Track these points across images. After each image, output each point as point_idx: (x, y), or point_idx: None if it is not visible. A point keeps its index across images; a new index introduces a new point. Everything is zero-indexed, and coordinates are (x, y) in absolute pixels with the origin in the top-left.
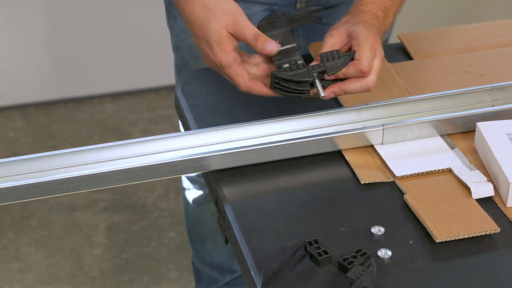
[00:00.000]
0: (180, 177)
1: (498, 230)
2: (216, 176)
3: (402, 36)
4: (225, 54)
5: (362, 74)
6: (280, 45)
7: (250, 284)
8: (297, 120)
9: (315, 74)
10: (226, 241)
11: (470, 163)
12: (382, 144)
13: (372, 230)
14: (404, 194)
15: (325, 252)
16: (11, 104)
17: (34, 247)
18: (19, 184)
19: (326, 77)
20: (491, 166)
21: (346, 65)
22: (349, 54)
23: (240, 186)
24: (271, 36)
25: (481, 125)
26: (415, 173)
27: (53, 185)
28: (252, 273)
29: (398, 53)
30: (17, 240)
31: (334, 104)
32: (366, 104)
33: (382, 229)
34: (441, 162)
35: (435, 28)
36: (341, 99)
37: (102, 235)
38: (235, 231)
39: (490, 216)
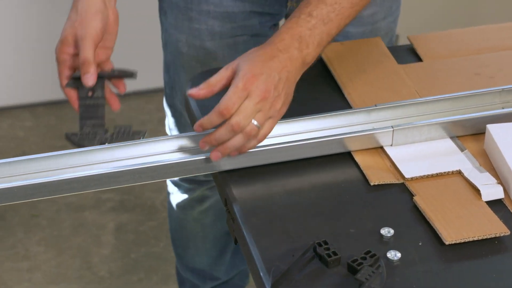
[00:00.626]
0: None
1: (508, 232)
2: (226, 176)
3: (412, 37)
4: (60, 50)
5: (222, 117)
6: (93, 83)
7: (259, 284)
8: (307, 121)
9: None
10: (236, 242)
11: (480, 165)
12: (391, 145)
13: (381, 232)
14: (413, 196)
15: (335, 253)
16: (20, 104)
17: (43, 246)
18: (28, 184)
19: (196, 129)
20: (501, 168)
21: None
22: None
23: (249, 187)
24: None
25: (491, 127)
26: (424, 175)
27: (62, 185)
28: (261, 274)
29: (407, 54)
30: (26, 239)
31: (344, 105)
32: (375, 106)
33: (392, 231)
34: (451, 164)
35: (445, 30)
36: (351, 100)
37: (110, 235)
38: (244, 232)
39: (500, 219)
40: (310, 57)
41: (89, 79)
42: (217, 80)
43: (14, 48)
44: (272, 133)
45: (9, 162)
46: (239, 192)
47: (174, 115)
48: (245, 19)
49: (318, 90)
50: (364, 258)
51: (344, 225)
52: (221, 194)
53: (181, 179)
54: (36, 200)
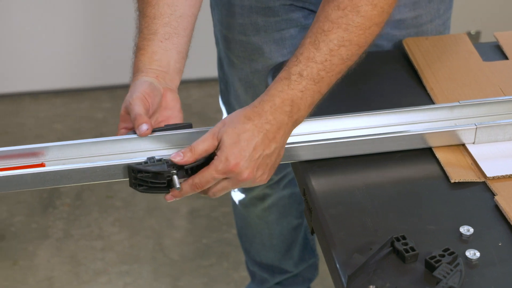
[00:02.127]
0: None
1: None
2: (305, 166)
3: (498, 35)
4: (118, 128)
5: (195, 189)
6: (151, 131)
7: (335, 275)
8: (389, 115)
9: (174, 171)
10: (312, 232)
11: None
12: (474, 143)
13: (460, 230)
14: (494, 195)
15: (412, 249)
16: (100, 85)
17: (117, 227)
18: (109, 164)
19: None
20: None
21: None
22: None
23: (328, 178)
24: None
25: None
26: (507, 175)
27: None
28: (337, 265)
29: (493, 52)
30: (101, 219)
31: (425, 100)
32: (459, 102)
33: (471, 230)
34: None
35: None
36: (433, 96)
37: (183, 219)
38: (321, 223)
39: None
40: (302, 118)
41: (143, 130)
42: (202, 150)
43: (94, 30)
44: (353, 125)
45: (89, 143)
46: (318, 182)
47: (229, 112)
48: (288, 12)
49: (400, 83)
50: (443, 256)
51: (422, 221)
52: (300, 184)
53: None
54: (112, 181)
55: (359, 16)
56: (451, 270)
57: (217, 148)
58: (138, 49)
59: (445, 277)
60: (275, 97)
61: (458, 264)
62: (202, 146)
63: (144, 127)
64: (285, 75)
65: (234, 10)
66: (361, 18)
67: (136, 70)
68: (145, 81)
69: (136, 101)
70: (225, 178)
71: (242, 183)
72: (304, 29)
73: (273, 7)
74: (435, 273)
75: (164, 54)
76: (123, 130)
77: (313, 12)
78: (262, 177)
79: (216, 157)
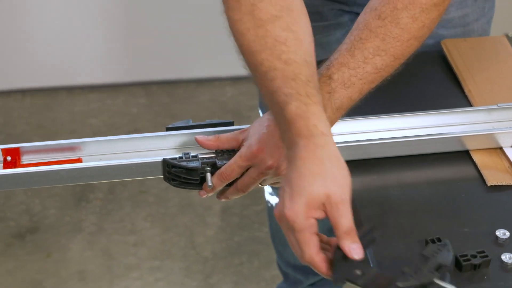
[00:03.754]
0: None
1: None
2: None
3: None
4: (304, 218)
5: (221, 179)
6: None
7: None
8: (425, 116)
9: (208, 168)
10: None
11: None
12: (511, 147)
13: (496, 233)
14: None
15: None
16: (135, 81)
17: (149, 222)
18: (145, 161)
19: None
20: None
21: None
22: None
23: (363, 178)
24: None
25: None
26: None
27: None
28: (371, 266)
29: None
30: (133, 214)
31: (463, 102)
32: (497, 105)
33: (507, 233)
34: None
35: None
36: (471, 98)
37: (216, 217)
38: (356, 223)
39: None
40: (329, 120)
41: (357, 252)
42: (227, 139)
43: (130, 26)
44: (388, 126)
45: (125, 139)
46: (353, 183)
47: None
48: (337, 17)
49: (437, 85)
50: (474, 256)
51: (458, 223)
52: None
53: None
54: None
55: (398, 27)
56: (439, 249)
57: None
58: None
59: (434, 256)
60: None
61: (445, 244)
62: (227, 136)
63: (359, 251)
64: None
65: None
66: (400, 30)
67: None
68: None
69: (347, 207)
70: (251, 168)
71: (268, 171)
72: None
73: (322, 11)
74: (424, 251)
75: None
76: (313, 220)
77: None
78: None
79: (241, 146)
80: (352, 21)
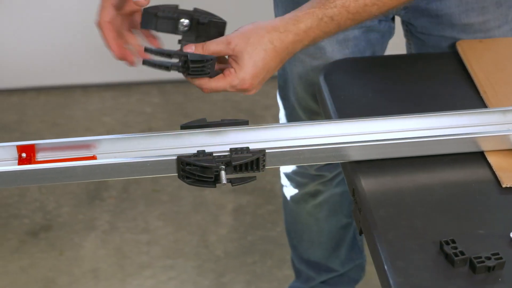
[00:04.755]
0: None
1: None
2: (355, 167)
3: None
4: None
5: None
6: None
7: (382, 277)
8: (440, 117)
9: (222, 166)
10: (361, 233)
11: None
12: None
13: (511, 235)
14: None
15: (462, 253)
16: (149, 80)
17: (162, 221)
18: (160, 159)
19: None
20: None
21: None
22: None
23: (378, 179)
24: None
25: None
26: None
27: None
28: (385, 267)
29: None
30: (146, 213)
31: (478, 104)
32: None
33: None
34: None
35: None
36: (486, 99)
37: (228, 216)
38: (370, 224)
39: None
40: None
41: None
42: (213, 50)
43: None
44: (403, 127)
45: (139, 137)
46: (367, 183)
47: (287, 107)
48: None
49: (452, 86)
50: (488, 258)
51: (472, 225)
52: (349, 184)
53: (293, 173)
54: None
55: None
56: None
57: (234, 61)
58: None
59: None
60: (301, 31)
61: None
62: (214, 47)
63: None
64: (319, 14)
65: None
66: None
67: None
68: None
69: None
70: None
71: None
72: (368, 31)
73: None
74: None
75: None
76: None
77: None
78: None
79: (233, 72)
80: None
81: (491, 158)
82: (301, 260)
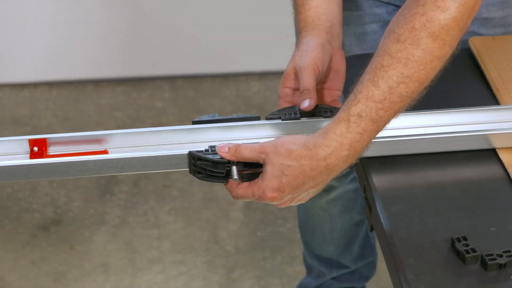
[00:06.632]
0: None
1: None
2: (367, 163)
3: None
4: (282, 85)
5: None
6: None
7: (393, 274)
8: (452, 114)
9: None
10: (372, 229)
11: None
12: None
13: None
14: None
15: (473, 250)
16: (161, 75)
17: (173, 216)
18: (172, 154)
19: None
20: None
21: None
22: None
23: (389, 175)
24: None
25: None
26: None
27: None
28: (396, 264)
29: None
30: (157, 208)
31: (491, 101)
32: None
33: None
34: None
35: None
36: (499, 96)
37: (239, 211)
38: (382, 220)
39: None
40: (355, 160)
41: (305, 105)
42: (245, 157)
43: (157, 20)
44: (416, 123)
45: (151, 132)
46: (379, 180)
47: None
48: (372, 7)
49: (465, 83)
50: (500, 256)
51: (484, 223)
52: (360, 180)
53: None
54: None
55: (419, 49)
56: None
57: (262, 171)
58: (301, 5)
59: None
60: (333, 141)
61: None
62: (247, 155)
63: (307, 103)
64: (344, 117)
65: None
66: (421, 51)
67: (304, 25)
68: (317, 44)
69: (308, 70)
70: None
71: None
72: (386, 25)
73: (357, 0)
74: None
75: (327, 8)
76: (287, 90)
77: (398, 7)
78: (285, 204)
79: (258, 182)
80: (389, 14)
81: (503, 155)
82: (313, 255)
